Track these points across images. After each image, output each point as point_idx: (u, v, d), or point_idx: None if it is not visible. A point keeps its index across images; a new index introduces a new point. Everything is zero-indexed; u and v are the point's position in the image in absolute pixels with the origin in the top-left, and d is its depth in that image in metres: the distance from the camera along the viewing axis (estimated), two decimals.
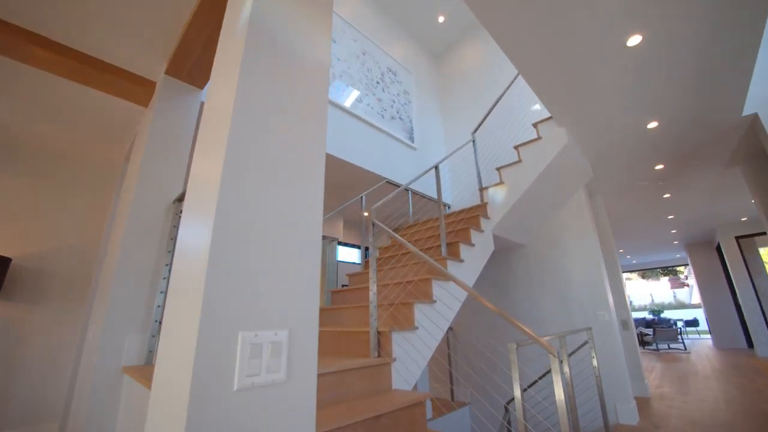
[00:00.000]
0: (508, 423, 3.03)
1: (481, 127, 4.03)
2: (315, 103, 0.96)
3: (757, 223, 7.42)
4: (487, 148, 4.47)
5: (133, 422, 1.48)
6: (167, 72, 2.31)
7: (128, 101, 2.62)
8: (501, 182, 3.55)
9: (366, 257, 4.10)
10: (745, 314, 7.57)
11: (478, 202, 3.66)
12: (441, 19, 5.60)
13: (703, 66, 2.55)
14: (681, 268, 20.06)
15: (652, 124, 3.25)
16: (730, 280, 8.33)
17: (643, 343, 9.04)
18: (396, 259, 3.18)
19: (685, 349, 8.50)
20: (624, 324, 4.49)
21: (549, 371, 3.03)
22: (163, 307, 1.76)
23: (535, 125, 3.56)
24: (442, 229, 2.91)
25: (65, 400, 2.88)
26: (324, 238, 5.24)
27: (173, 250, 1.91)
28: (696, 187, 5.12)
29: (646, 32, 2.23)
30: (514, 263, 4.39)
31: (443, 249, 2.86)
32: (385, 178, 4.19)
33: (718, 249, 8.70)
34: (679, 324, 10.44)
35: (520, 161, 3.51)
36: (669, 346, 8.97)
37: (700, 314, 13.05)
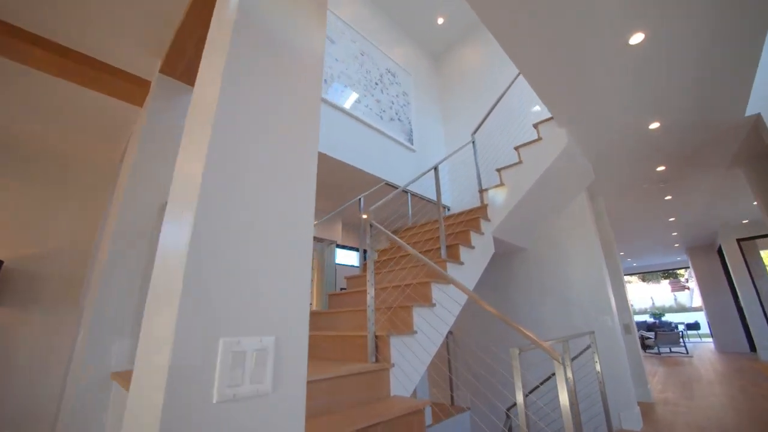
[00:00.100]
0: (510, 429, 2.97)
1: (481, 128, 3.99)
2: (307, 98, 0.92)
3: (758, 226, 7.37)
4: (487, 149, 4.43)
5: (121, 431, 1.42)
6: (161, 71, 2.27)
7: (123, 101, 2.58)
8: (501, 184, 3.50)
9: (364, 260, 4.04)
10: (747, 317, 7.51)
11: (478, 204, 3.61)
12: (440, 20, 5.58)
13: (706, 65, 2.51)
14: (681, 271, 20.00)
15: (654, 125, 3.21)
16: (732, 283, 8.27)
17: (644, 346, 8.97)
18: (394, 262, 3.12)
19: (687, 352, 8.43)
20: (626, 328, 4.43)
21: (550, 377, 2.98)
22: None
23: (535, 126, 3.52)
24: (441, 231, 2.86)
25: (56, 406, 2.81)
26: (322, 240, 5.18)
27: None
28: (697, 189, 5.08)
29: (648, 30, 2.20)
30: (514, 266, 4.34)
31: (443, 251, 2.81)
32: (383, 180, 4.14)
33: (720, 252, 8.65)
34: (681, 327, 10.36)
35: (520, 162, 3.46)
36: (671, 349, 8.89)
37: (701, 317, 12.96)
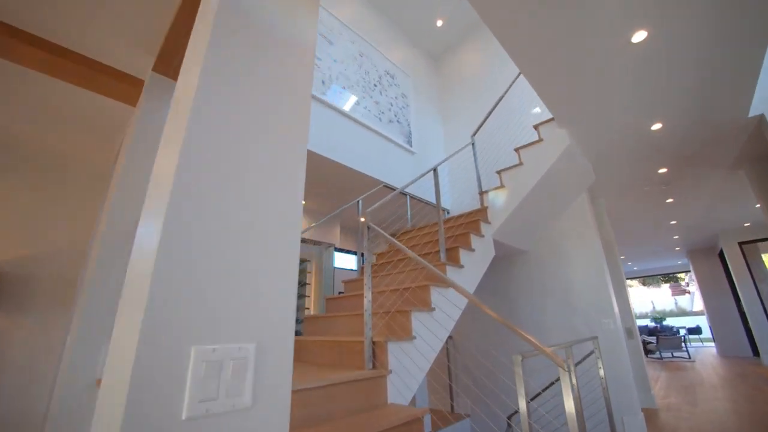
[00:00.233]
0: None
1: (481, 130, 3.94)
2: (296, 90, 0.86)
3: (760, 229, 7.32)
4: (487, 151, 4.38)
5: None
6: (155, 69, 2.22)
7: (117, 100, 2.53)
8: (501, 186, 3.45)
9: (363, 263, 3.98)
10: (749, 321, 7.43)
11: (477, 206, 3.56)
12: (439, 22, 5.56)
13: (709, 65, 2.47)
14: (682, 275, 19.94)
15: (656, 126, 3.17)
16: (734, 287, 8.20)
17: (646, 351, 8.88)
18: (392, 265, 3.06)
19: (689, 357, 8.34)
20: (629, 332, 4.36)
21: (553, 383, 2.91)
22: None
23: (536, 127, 3.48)
24: (441, 233, 2.80)
25: (44, 412, 2.74)
26: (320, 243, 5.12)
27: None
28: (699, 192, 5.03)
29: (651, 28, 2.16)
30: (515, 270, 4.27)
31: (442, 254, 2.75)
32: (382, 182, 4.09)
33: (721, 255, 8.59)
34: (682, 332, 10.27)
35: (521, 164, 3.41)
36: (673, 354, 8.81)
37: (702, 321, 12.88)
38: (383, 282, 2.94)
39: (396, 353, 1.87)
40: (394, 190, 3.97)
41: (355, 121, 4.02)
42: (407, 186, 2.96)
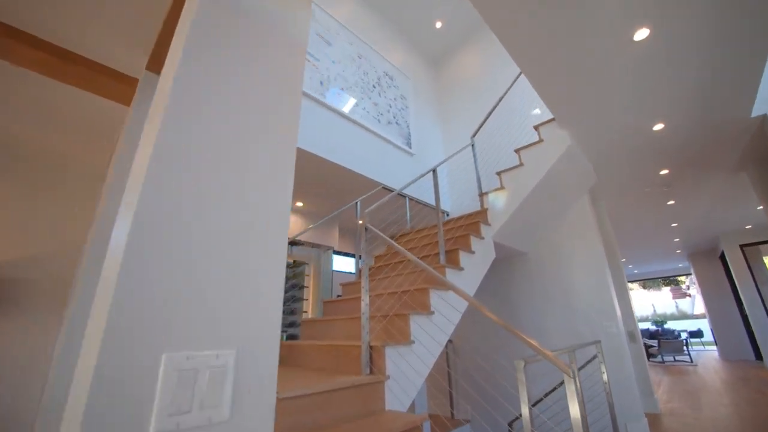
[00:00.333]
0: None
1: (480, 131, 3.90)
2: (285, 81, 0.82)
3: (762, 231, 7.27)
4: (487, 152, 4.34)
5: None
6: (148, 68, 2.17)
7: (112, 100, 2.48)
8: (502, 187, 3.40)
9: (361, 266, 3.92)
10: (752, 325, 7.36)
11: (477, 208, 3.51)
12: (438, 24, 5.53)
13: (711, 64, 2.43)
14: (682, 278, 19.87)
15: (658, 126, 3.13)
16: (735, 290, 8.14)
17: (648, 355, 8.80)
18: (391, 268, 3.01)
19: (692, 361, 8.26)
20: (631, 336, 4.30)
21: (555, 389, 2.85)
22: None
23: (536, 128, 3.44)
24: (440, 235, 2.75)
25: (30, 421, 2.67)
26: (318, 246, 5.07)
27: None
28: (701, 193, 4.99)
29: (653, 26, 2.12)
30: (516, 272, 4.22)
31: (442, 257, 2.69)
32: (381, 184, 4.05)
33: (722, 258, 8.53)
34: (683, 335, 10.19)
35: (521, 165, 3.37)
36: (674, 358, 8.73)
37: (703, 325, 12.80)
38: (381, 285, 2.89)
39: (394, 358, 1.81)
40: (393, 191, 3.94)
41: (354, 122, 3.98)
42: (406, 187, 2.92)
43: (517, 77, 3.62)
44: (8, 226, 2.86)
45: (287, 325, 4.31)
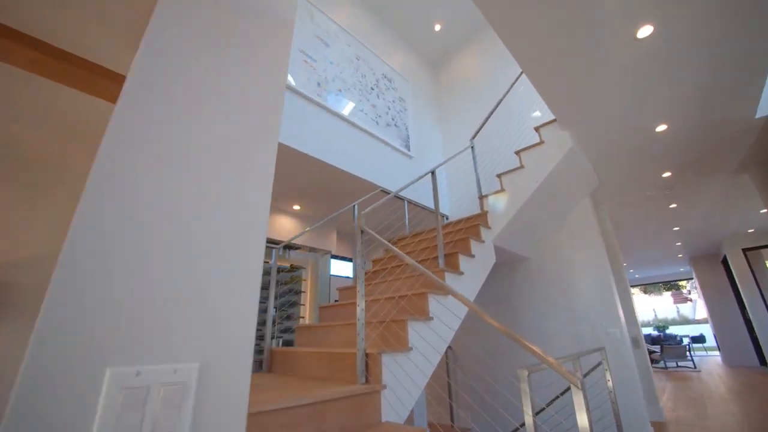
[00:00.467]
0: None
1: (480, 133, 3.84)
2: (267, 69, 0.75)
3: (764, 235, 7.21)
4: (487, 154, 4.28)
5: None
6: None
7: (98, 97, 2.40)
8: (502, 189, 3.34)
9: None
10: (756, 330, 7.27)
11: (477, 211, 3.44)
12: (437, 27, 5.50)
13: (715, 64, 2.38)
14: (683, 283, 19.76)
15: (661, 127, 3.07)
16: (738, 295, 8.05)
17: (650, 360, 8.67)
18: (388, 272, 2.93)
19: (695, 366, 8.14)
20: (634, 341, 4.20)
21: (557, 397, 2.76)
22: None
23: (537, 129, 3.38)
24: (439, 238, 2.68)
25: None
26: (316, 250, 4.98)
27: None
28: (703, 196, 4.92)
29: (656, 23, 2.06)
30: (517, 277, 4.13)
31: (441, 260, 2.62)
32: (379, 187, 3.98)
33: (724, 262, 8.45)
34: (685, 340, 10.07)
35: (522, 167, 3.30)
36: (677, 363, 8.60)
37: (705, 330, 12.68)
38: (378, 289, 2.81)
39: (391, 366, 1.73)
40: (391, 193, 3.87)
41: (352, 124, 3.92)
42: (404, 189, 2.84)
43: (518, 78, 3.57)
44: (8, 227, 2.79)
45: (283, 330, 4.22)
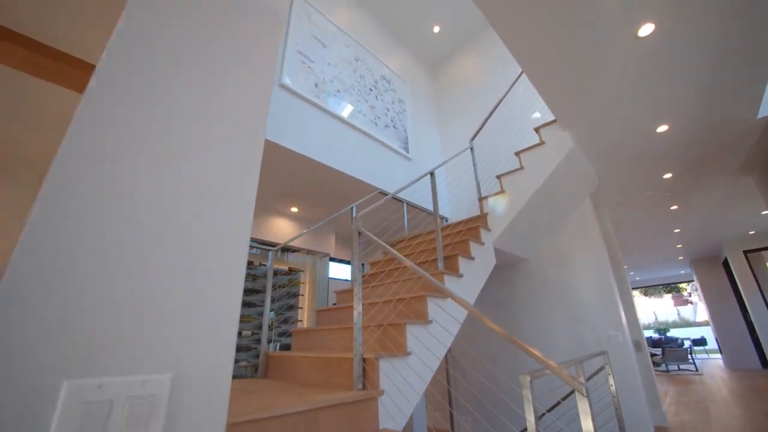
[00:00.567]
0: None
1: (480, 135, 3.81)
2: (252, 63, 0.71)
3: (765, 237, 7.17)
4: (486, 156, 4.24)
5: None
6: None
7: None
8: (502, 191, 3.30)
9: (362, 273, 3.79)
10: (758, 332, 7.22)
11: (477, 213, 3.40)
12: (436, 29, 5.48)
13: (717, 63, 2.35)
14: (684, 285, 19.71)
15: (663, 128, 3.04)
16: (740, 297, 8.00)
17: (652, 363, 8.60)
18: (386, 275, 2.88)
19: (697, 370, 8.08)
20: (636, 345, 4.15)
21: (559, 403, 2.70)
22: None
23: (537, 130, 3.35)
24: (438, 240, 2.63)
25: None
26: (314, 253, 4.94)
27: None
28: (704, 198, 4.89)
29: (658, 22, 2.03)
30: (518, 279, 4.09)
31: (440, 263, 2.57)
32: (378, 189, 3.94)
33: (725, 264, 8.41)
34: (687, 343, 10.01)
35: (522, 168, 3.27)
36: (679, 367, 8.54)
37: (706, 332, 12.62)
38: (376, 292, 2.76)
39: (389, 371, 1.68)
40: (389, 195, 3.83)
41: (350, 125, 3.89)
42: (402, 190, 2.80)
43: (517, 78, 3.55)
44: (9, 227, 2.73)
45: (280, 334, 4.16)
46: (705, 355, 11.28)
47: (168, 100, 0.57)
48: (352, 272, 3.50)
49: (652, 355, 8.63)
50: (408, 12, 5.16)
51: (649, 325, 20.58)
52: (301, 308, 4.64)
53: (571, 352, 3.51)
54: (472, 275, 2.74)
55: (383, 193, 3.94)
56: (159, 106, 0.56)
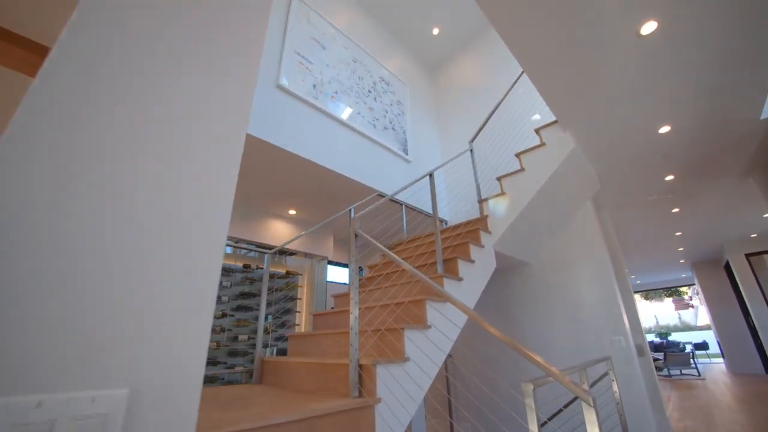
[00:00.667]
0: None
1: (479, 136, 3.77)
2: (229, 54, 0.67)
3: (767, 240, 7.12)
4: (486, 157, 4.20)
5: None
6: None
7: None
8: (502, 193, 3.25)
9: (360, 276, 3.74)
10: (761, 337, 7.14)
11: (476, 215, 3.35)
12: (435, 31, 5.46)
13: (720, 63, 2.31)
14: (685, 289, 19.62)
15: (664, 129, 3.00)
16: (742, 300, 7.93)
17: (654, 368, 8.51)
18: (384, 278, 2.83)
19: (699, 374, 7.99)
20: (639, 349, 4.08)
21: (561, 410, 2.63)
22: None
23: (537, 131, 3.31)
24: (437, 242, 2.58)
25: None
26: (312, 256, 4.88)
27: None
28: (707, 200, 4.84)
29: (660, 20, 2.00)
30: (518, 283, 4.03)
31: (439, 266, 2.52)
32: (376, 191, 3.89)
33: (727, 267, 8.35)
34: (688, 347, 9.92)
35: (522, 170, 3.22)
36: (681, 371, 8.46)
37: (707, 336, 12.53)
38: (373, 296, 2.71)
39: (386, 378, 1.62)
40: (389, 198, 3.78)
41: (349, 127, 3.85)
42: (401, 191, 2.76)
43: (518, 78, 3.51)
44: None
45: (277, 338, 4.10)
46: (707, 360, 11.19)
47: (168, 100, 0.54)
48: (349, 275, 3.45)
49: (655, 359, 8.54)
50: (407, 13, 5.14)
51: (651, 329, 20.47)
52: (299, 312, 4.58)
53: (573, 357, 3.45)
54: (472, 279, 2.69)
55: (382, 195, 3.89)
56: (159, 106, 0.54)
